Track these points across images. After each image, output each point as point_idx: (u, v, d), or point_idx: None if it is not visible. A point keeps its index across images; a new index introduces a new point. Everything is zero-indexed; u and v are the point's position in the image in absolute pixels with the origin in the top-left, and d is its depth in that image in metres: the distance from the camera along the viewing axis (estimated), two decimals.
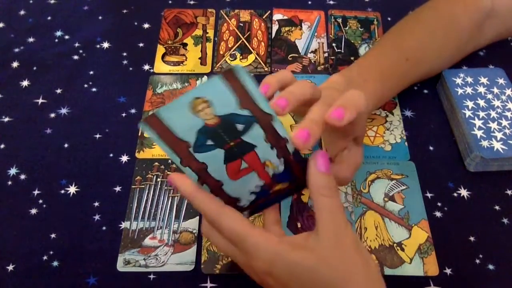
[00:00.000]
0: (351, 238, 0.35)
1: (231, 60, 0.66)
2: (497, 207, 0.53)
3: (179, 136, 0.33)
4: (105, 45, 0.68)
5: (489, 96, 0.58)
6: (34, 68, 0.65)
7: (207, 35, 0.70)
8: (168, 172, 0.55)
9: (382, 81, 0.52)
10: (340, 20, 0.72)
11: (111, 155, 0.57)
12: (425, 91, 0.63)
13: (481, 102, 0.57)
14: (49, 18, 0.72)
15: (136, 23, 0.71)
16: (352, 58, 0.67)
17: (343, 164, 0.42)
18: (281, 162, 0.36)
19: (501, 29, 0.61)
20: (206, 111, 0.33)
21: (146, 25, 0.71)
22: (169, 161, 0.56)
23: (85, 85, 0.63)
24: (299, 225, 0.51)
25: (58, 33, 0.70)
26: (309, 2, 0.74)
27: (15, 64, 0.66)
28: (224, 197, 0.37)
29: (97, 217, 0.52)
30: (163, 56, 0.67)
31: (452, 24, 0.58)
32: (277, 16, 0.72)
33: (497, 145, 0.53)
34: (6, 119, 0.60)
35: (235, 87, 0.33)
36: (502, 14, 0.59)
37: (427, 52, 0.57)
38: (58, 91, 0.63)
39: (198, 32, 0.70)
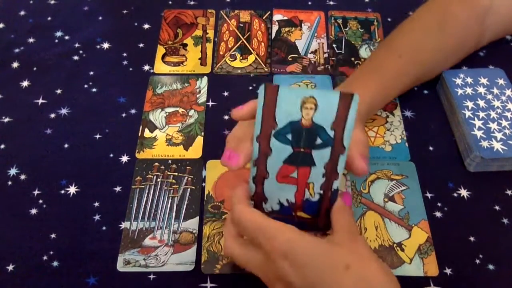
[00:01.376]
0: (367, 247, 0.38)
1: (231, 61, 0.66)
2: (497, 207, 0.53)
3: (275, 115, 0.37)
4: (105, 45, 0.68)
5: (489, 96, 0.58)
6: (34, 68, 0.65)
7: (207, 36, 0.70)
8: (168, 172, 0.55)
9: (378, 80, 0.53)
10: (340, 21, 0.72)
11: (111, 155, 0.57)
12: (425, 91, 0.63)
13: (481, 103, 0.58)
14: (49, 18, 0.72)
15: (136, 24, 0.71)
16: (352, 58, 0.67)
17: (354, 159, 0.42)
18: (319, 193, 0.39)
19: (503, 26, 0.62)
20: (309, 112, 0.37)
21: (146, 26, 0.71)
22: (169, 161, 0.56)
23: (85, 85, 0.63)
24: None
25: (58, 33, 0.70)
26: (309, 3, 0.75)
27: (15, 64, 0.66)
28: (259, 190, 0.39)
29: (97, 217, 0.52)
30: (163, 57, 0.67)
31: (448, 20, 0.57)
32: (277, 16, 0.72)
33: (497, 145, 0.53)
34: (6, 119, 0.60)
35: (341, 109, 0.36)
36: (503, 12, 0.59)
37: (422, 49, 0.57)
38: (58, 91, 0.63)
39: (198, 32, 0.70)
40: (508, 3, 0.59)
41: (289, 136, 0.37)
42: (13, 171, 0.55)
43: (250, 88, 0.64)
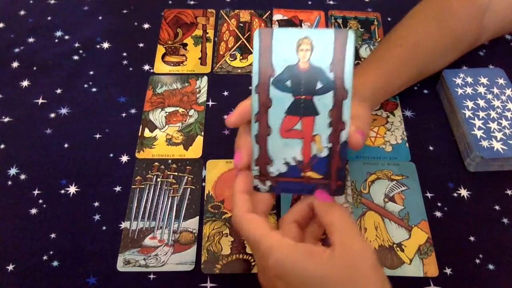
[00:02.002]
0: (370, 260, 0.35)
1: (231, 60, 0.66)
2: (497, 207, 0.53)
3: (272, 61, 0.35)
4: (105, 45, 0.68)
5: (489, 96, 0.58)
6: (34, 68, 0.65)
7: (207, 35, 0.70)
8: (168, 172, 0.55)
9: (380, 68, 0.53)
10: (340, 21, 0.72)
11: (111, 155, 0.57)
12: (425, 91, 0.63)
13: (481, 102, 0.57)
14: (49, 18, 0.72)
15: (136, 23, 0.71)
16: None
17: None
18: (327, 147, 0.36)
19: (502, 24, 0.62)
20: (306, 54, 0.35)
21: (146, 25, 0.71)
22: (169, 161, 0.56)
23: (85, 85, 0.63)
24: None
25: (58, 33, 0.70)
26: (309, 2, 0.75)
27: (15, 64, 0.66)
28: (263, 150, 0.37)
29: (97, 217, 0.52)
30: (163, 56, 0.67)
31: (447, 15, 0.58)
32: (277, 16, 0.72)
33: (497, 145, 0.53)
34: (6, 119, 0.60)
35: (338, 47, 0.34)
36: (501, 10, 0.59)
37: (421, 41, 0.56)
38: (58, 91, 0.63)
39: (198, 32, 0.70)
40: (506, 1, 0.59)
41: (288, 83, 0.35)
42: (13, 171, 0.55)
43: (250, 88, 0.63)
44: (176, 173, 0.55)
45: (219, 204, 0.53)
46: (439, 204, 0.53)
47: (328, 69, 0.35)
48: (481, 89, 0.59)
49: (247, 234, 0.36)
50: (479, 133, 0.54)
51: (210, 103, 0.62)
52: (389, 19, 0.72)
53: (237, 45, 0.68)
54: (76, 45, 0.68)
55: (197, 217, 0.52)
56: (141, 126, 0.59)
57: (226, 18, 0.72)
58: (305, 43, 0.35)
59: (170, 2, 0.74)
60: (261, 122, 0.36)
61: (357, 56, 0.67)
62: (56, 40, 0.69)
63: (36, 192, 0.54)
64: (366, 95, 0.49)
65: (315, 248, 0.35)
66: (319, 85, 0.35)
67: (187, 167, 0.56)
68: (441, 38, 0.58)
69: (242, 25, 0.71)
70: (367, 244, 0.36)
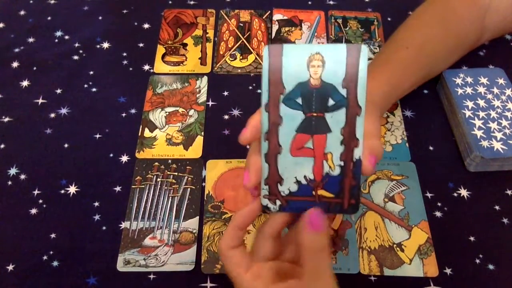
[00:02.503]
0: None
1: (231, 60, 0.66)
2: (497, 207, 0.53)
3: (282, 78, 0.34)
4: (105, 45, 0.68)
5: (489, 96, 0.58)
6: (34, 68, 0.65)
7: (207, 35, 0.70)
8: (168, 172, 0.55)
9: (388, 71, 0.53)
10: (340, 21, 0.72)
11: (111, 155, 0.57)
12: (425, 91, 0.63)
13: (481, 102, 0.57)
14: (49, 18, 0.72)
15: (136, 23, 0.71)
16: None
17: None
18: (340, 165, 0.35)
19: (502, 24, 0.62)
20: (317, 70, 0.34)
21: (146, 25, 0.71)
22: (169, 161, 0.56)
23: (85, 85, 0.63)
24: None
25: (58, 33, 0.70)
26: (309, 2, 0.75)
27: (15, 64, 0.66)
28: (273, 169, 0.36)
29: (97, 217, 0.52)
30: (163, 56, 0.67)
31: (451, 16, 0.58)
32: (277, 16, 0.72)
33: (497, 145, 0.53)
34: (6, 119, 0.60)
35: (350, 62, 0.33)
36: (502, 10, 0.59)
37: (427, 41, 0.56)
38: (58, 91, 0.63)
39: (198, 32, 0.70)
40: (506, 1, 0.59)
41: (299, 100, 0.34)
42: (13, 171, 0.55)
43: (250, 88, 0.64)
44: (176, 173, 0.55)
45: (219, 204, 0.53)
46: (439, 204, 0.53)
47: (341, 85, 0.34)
48: (481, 89, 0.59)
49: (226, 268, 0.38)
50: (479, 133, 0.54)
51: (210, 103, 0.62)
52: (389, 19, 0.72)
53: (237, 45, 0.68)
54: (76, 45, 0.68)
55: (197, 217, 0.52)
56: (141, 126, 0.59)
57: (226, 18, 0.72)
58: (316, 59, 0.34)
59: (170, 2, 0.74)
60: (271, 141, 0.35)
61: None
62: (56, 40, 0.69)
63: (36, 192, 0.54)
64: (376, 99, 0.49)
65: (287, 286, 0.36)
66: (331, 102, 0.34)
67: (187, 167, 0.56)
68: (446, 39, 0.58)
69: (242, 25, 0.71)
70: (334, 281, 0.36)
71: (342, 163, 0.35)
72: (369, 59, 0.66)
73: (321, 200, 0.36)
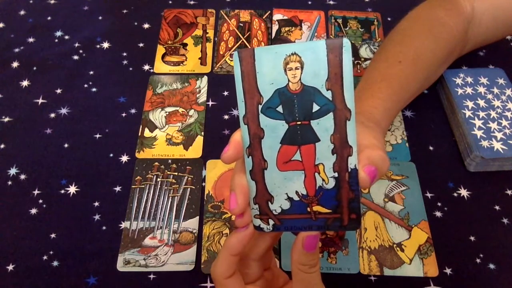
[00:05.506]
0: None
1: (231, 60, 0.66)
2: (497, 207, 0.53)
3: (258, 85, 0.31)
4: (105, 45, 0.68)
5: (489, 96, 0.58)
6: (34, 68, 0.65)
7: (207, 35, 0.70)
8: (168, 172, 0.55)
9: (387, 87, 0.51)
10: (340, 21, 0.72)
11: (111, 155, 0.57)
12: (425, 91, 0.63)
13: (481, 102, 0.58)
14: (49, 18, 0.72)
15: (136, 23, 0.71)
16: (352, 58, 0.66)
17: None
18: (334, 176, 0.32)
19: (484, 35, 0.60)
20: (295, 72, 0.30)
21: (146, 25, 0.71)
22: (169, 161, 0.56)
23: (85, 85, 0.63)
24: None
25: (58, 33, 0.70)
26: (309, 2, 0.75)
27: (15, 64, 0.66)
28: (261, 186, 0.33)
29: (97, 217, 0.52)
30: (163, 56, 0.67)
31: (439, 27, 0.57)
32: (277, 16, 0.72)
33: (497, 145, 0.53)
34: (6, 119, 0.60)
35: (333, 60, 0.29)
36: (484, 20, 0.58)
37: (420, 54, 0.55)
38: (58, 91, 0.63)
39: (198, 32, 0.70)
40: (488, 11, 0.59)
41: (280, 109, 0.31)
42: (13, 171, 0.55)
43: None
44: (176, 173, 0.55)
45: (219, 204, 0.53)
46: (439, 204, 0.53)
47: (324, 88, 0.30)
48: (481, 89, 0.59)
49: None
50: (479, 133, 0.54)
51: (210, 103, 0.62)
52: (389, 19, 0.72)
53: (237, 45, 0.68)
54: (76, 45, 0.68)
55: (197, 217, 0.52)
56: (141, 126, 0.59)
57: (226, 18, 0.72)
58: (293, 60, 0.30)
59: (170, 2, 0.74)
60: (255, 156, 0.32)
61: (357, 57, 0.67)
62: (56, 40, 0.69)
63: (36, 192, 0.54)
64: (379, 117, 0.47)
65: None
66: (315, 107, 0.30)
67: (187, 167, 0.56)
68: (437, 50, 0.57)
69: (242, 25, 0.71)
70: None
71: (336, 174, 0.32)
72: (368, 59, 0.66)
73: (317, 217, 0.33)
